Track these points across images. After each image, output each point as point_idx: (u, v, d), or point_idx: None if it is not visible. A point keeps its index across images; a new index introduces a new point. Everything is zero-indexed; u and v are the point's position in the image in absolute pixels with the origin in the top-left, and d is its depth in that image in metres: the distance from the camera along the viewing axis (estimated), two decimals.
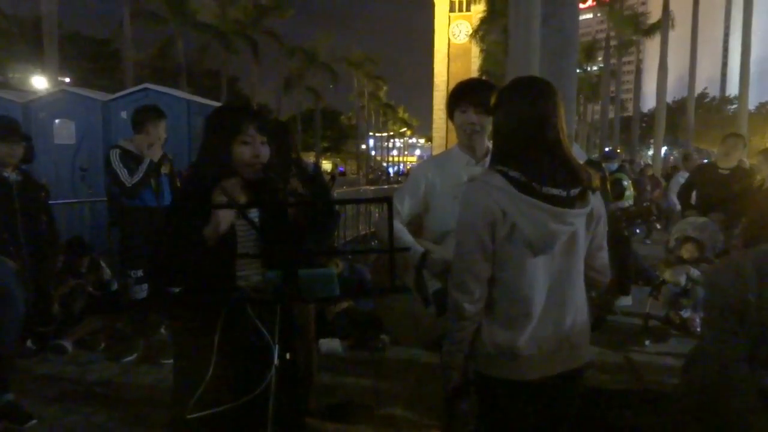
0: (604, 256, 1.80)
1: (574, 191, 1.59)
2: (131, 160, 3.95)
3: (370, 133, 65.77)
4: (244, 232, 1.89)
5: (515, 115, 1.62)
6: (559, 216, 1.56)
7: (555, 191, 1.56)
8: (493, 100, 1.70)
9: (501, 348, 1.62)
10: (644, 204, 6.42)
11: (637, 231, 6.25)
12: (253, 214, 1.91)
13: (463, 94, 2.24)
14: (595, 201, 1.67)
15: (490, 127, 2.22)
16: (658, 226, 11.07)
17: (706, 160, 8.78)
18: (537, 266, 1.60)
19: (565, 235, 1.60)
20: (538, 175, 1.55)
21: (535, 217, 1.54)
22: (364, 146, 60.15)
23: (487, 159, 2.29)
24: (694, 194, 5.65)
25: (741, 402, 1.81)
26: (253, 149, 1.86)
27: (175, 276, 1.93)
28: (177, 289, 1.95)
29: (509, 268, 1.60)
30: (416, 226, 2.47)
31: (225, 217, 1.77)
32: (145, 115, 4.03)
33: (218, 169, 1.87)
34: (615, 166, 6.73)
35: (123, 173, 3.89)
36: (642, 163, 20.90)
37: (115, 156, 3.92)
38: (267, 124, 1.95)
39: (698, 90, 40.63)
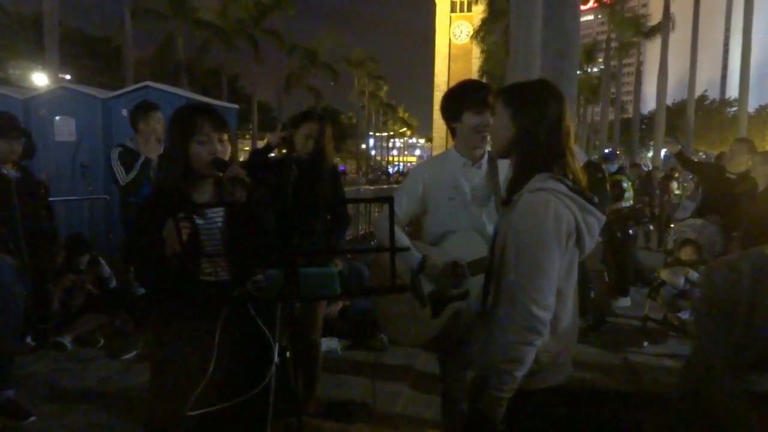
0: None
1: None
2: (130, 158, 3.95)
3: (370, 133, 65.76)
4: (208, 230, 1.89)
5: (551, 119, 1.56)
6: (602, 224, 1.59)
7: (596, 199, 1.58)
8: (508, 100, 1.63)
9: (554, 357, 1.59)
10: (637, 206, 6.42)
11: (630, 232, 6.27)
12: (218, 213, 1.92)
13: (475, 95, 2.21)
14: None
15: None
16: (651, 228, 11.02)
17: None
18: (575, 271, 1.61)
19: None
20: (580, 182, 1.56)
21: (592, 226, 1.56)
22: (364, 146, 60.14)
23: (483, 160, 2.30)
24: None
25: (727, 401, 1.83)
26: (209, 148, 1.87)
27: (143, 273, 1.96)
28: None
29: (567, 277, 1.57)
30: (415, 227, 2.48)
31: (173, 240, 1.73)
32: (135, 113, 4.03)
33: (180, 171, 1.89)
34: (615, 167, 6.74)
35: (119, 171, 3.90)
36: (650, 165, 20.71)
37: (114, 155, 3.93)
38: (224, 121, 1.96)
39: (698, 92, 40.66)
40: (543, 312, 1.48)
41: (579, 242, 1.56)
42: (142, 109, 4.03)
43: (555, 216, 1.49)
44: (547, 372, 1.60)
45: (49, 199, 4.04)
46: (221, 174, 1.89)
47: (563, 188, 1.52)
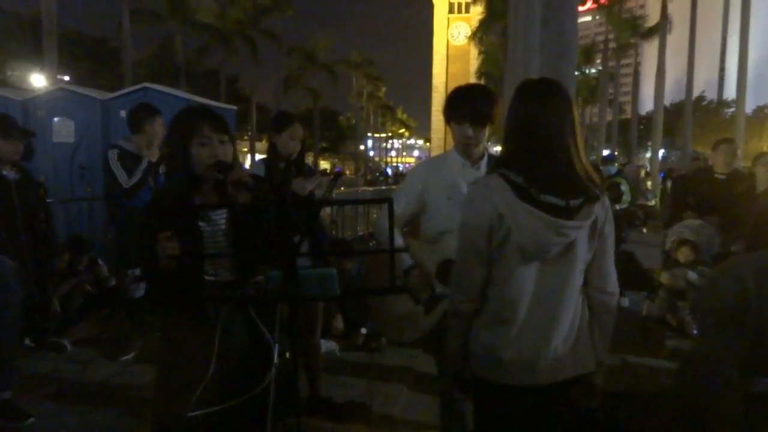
0: (606, 266, 1.69)
1: (575, 201, 1.54)
2: (130, 160, 3.93)
3: (369, 134, 65.79)
4: (212, 233, 1.88)
5: (516, 117, 1.63)
6: (553, 226, 1.52)
7: (553, 199, 1.52)
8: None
9: (485, 349, 1.64)
10: (631, 208, 6.47)
11: (624, 235, 6.33)
12: (221, 215, 1.90)
13: (459, 106, 2.22)
14: (600, 210, 1.61)
15: (485, 137, 2.26)
16: (644, 231, 10.99)
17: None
18: (528, 272, 1.58)
19: (560, 246, 1.56)
20: (538, 181, 1.53)
21: (528, 225, 1.52)
22: (362, 147, 60.17)
23: (483, 162, 2.32)
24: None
25: (728, 408, 1.82)
26: (210, 150, 1.84)
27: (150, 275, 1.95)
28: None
29: (502, 270, 1.60)
30: (413, 227, 2.49)
31: (166, 249, 1.68)
32: (140, 114, 3.99)
33: (182, 174, 1.86)
34: (614, 169, 6.76)
35: (121, 175, 3.87)
36: (647, 166, 20.57)
37: (113, 156, 3.91)
38: (224, 123, 1.92)
39: (696, 93, 40.67)
40: (455, 293, 1.66)
41: (511, 239, 1.55)
42: (149, 111, 3.99)
43: (473, 210, 1.61)
44: (486, 363, 1.65)
45: (49, 200, 4.03)
46: (222, 177, 1.85)
47: (498, 182, 1.56)
